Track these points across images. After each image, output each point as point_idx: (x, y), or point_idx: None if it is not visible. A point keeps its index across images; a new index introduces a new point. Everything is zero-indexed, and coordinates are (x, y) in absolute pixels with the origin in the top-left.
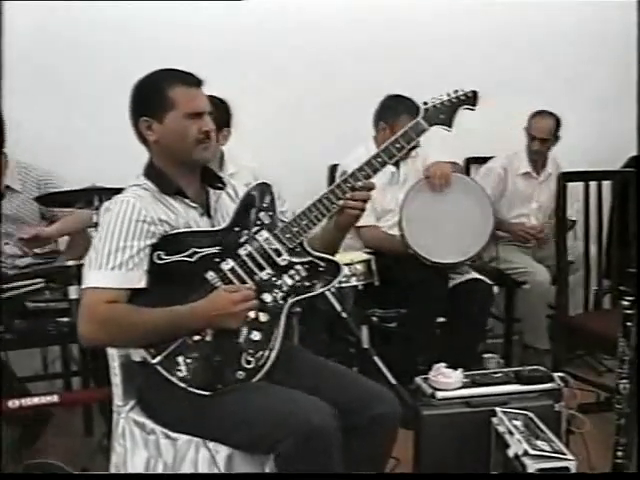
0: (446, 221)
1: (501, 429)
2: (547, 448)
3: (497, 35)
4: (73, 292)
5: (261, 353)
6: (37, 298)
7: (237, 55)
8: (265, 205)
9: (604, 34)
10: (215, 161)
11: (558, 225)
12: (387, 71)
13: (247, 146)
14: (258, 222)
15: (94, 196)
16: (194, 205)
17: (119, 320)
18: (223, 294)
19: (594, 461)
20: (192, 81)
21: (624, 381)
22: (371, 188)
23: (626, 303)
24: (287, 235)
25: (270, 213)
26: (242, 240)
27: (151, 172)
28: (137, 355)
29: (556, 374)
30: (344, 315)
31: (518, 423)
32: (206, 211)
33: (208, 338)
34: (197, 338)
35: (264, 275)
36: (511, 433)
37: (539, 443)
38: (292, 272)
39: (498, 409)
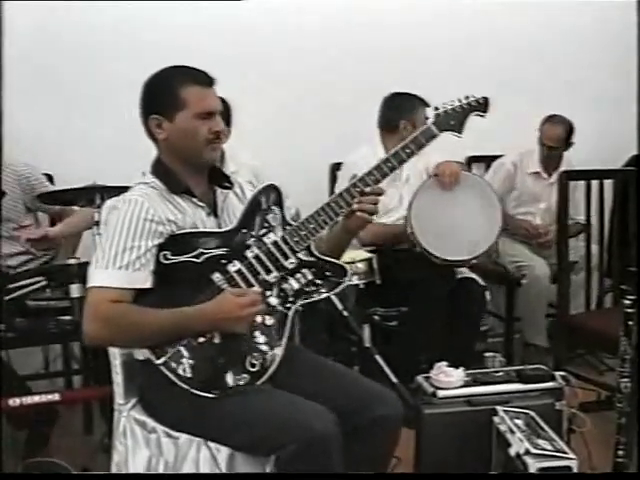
0: (455, 219)
1: (502, 428)
2: (548, 447)
3: (497, 36)
4: (74, 290)
5: (265, 356)
6: (38, 296)
7: (237, 55)
8: (273, 207)
9: (604, 35)
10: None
11: (560, 224)
12: (387, 71)
13: (247, 146)
14: (266, 224)
15: (95, 194)
16: (201, 204)
17: (124, 320)
18: (230, 298)
19: (595, 460)
20: (204, 80)
21: (625, 380)
22: (380, 193)
23: (627, 302)
24: (295, 238)
25: (278, 215)
26: (249, 242)
27: (159, 170)
28: (141, 354)
29: (557, 373)
30: (345, 314)
31: (519, 422)
32: (213, 211)
33: (213, 340)
34: (202, 340)
35: (271, 278)
36: (512, 432)
37: (540, 442)
38: (299, 275)
39: (499, 408)
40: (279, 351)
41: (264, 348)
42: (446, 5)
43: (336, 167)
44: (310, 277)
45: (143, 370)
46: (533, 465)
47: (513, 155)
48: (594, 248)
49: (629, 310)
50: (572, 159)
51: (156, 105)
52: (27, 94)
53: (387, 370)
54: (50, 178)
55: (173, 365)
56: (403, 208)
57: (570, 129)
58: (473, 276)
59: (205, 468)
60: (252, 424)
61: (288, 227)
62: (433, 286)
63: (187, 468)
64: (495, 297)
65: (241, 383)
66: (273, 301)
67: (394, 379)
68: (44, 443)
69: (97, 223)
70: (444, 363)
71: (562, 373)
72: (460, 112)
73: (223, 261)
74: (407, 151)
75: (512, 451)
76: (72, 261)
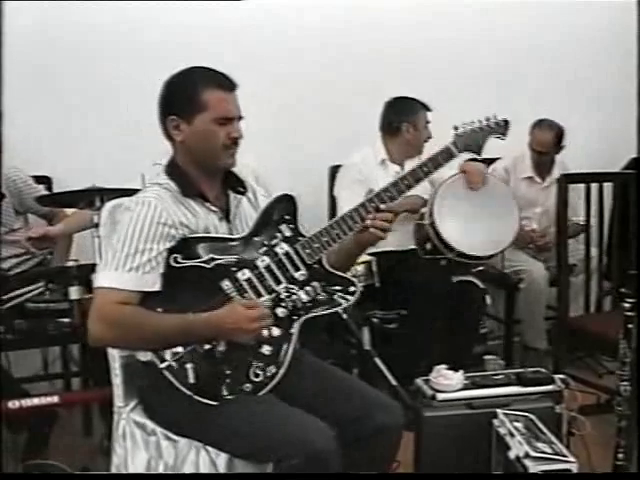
0: (475, 217)
1: (502, 431)
2: (548, 450)
3: (497, 36)
4: (73, 293)
5: (270, 367)
6: (37, 299)
7: (237, 56)
8: (287, 218)
9: (604, 35)
10: None
11: (559, 227)
12: (387, 72)
13: (247, 147)
14: (278, 234)
15: (95, 197)
16: (214, 209)
17: (130, 323)
18: (240, 309)
19: (595, 463)
20: (227, 85)
21: (625, 383)
22: (396, 211)
23: (627, 305)
24: (307, 250)
25: (291, 226)
26: (261, 251)
27: (174, 171)
28: (143, 355)
29: (557, 376)
30: (344, 316)
31: (519, 425)
32: (225, 216)
33: (218, 348)
34: (208, 347)
35: (280, 288)
36: (512, 435)
37: (540, 445)
38: (308, 288)
39: (499, 411)
40: (284, 363)
41: (269, 359)
42: (446, 5)
43: (336, 169)
44: (319, 291)
45: (145, 372)
46: (533, 468)
47: (506, 160)
48: (593, 251)
49: (629, 313)
50: (568, 162)
51: (176, 105)
52: (26, 95)
53: (387, 373)
54: (49, 180)
55: (176, 369)
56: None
57: (560, 133)
58: (473, 279)
59: (204, 471)
60: (251, 435)
61: (301, 238)
62: (432, 288)
63: (186, 471)
64: (495, 300)
65: (243, 392)
66: (281, 312)
67: (393, 382)
68: (43, 445)
69: (97, 225)
70: (443, 366)
71: (562, 376)
72: (479, 133)
73: (233, 269)
74: (424, 169)
75: (512, 454)
76: (71, 263)
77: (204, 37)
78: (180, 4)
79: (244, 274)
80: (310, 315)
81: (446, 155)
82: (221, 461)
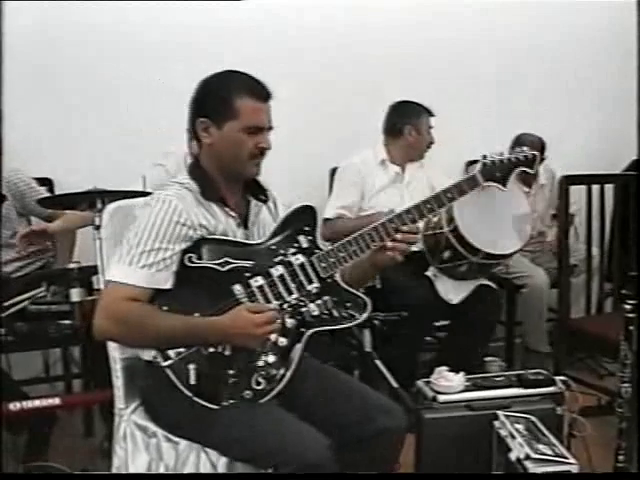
0: (495, 217)
1: (503, 432)
2: (549, 452)
3: (497, 36)
4: (74, 295)
5: (273, 376)
6: (38, 301)
7: (237, 57)
8: (306, 229)
9: (604, 35)
10: None
11: (560, 229)
12: (387, 72)
13: None
14: (296, 245)
15: (97, 199)
16: (233, 214)
17: (137, 320)
18: (245, 314)
19: (595, 465)
20: (261, 94)
21: (626, 385)
22: (415, 233)
23: (628, 307)
24: (322, 264)
25: (310, 238)
26: (276, 260)
27: (196, 172)
28: (146, 354)
29: (558, 377)
30: None
31: (520, 426)
32: (243, 222)
33: (223, 352)
34: (212, 350)
35: (291, 299)
36: (513, 436)
37: (541, 447)
38: (319, 302)
39: (500, 412)
40: (287, 373)
41: (273, 368)
42: (446, 5)
43: (335, 172)
44: (330, 305)
45: (147, 371)
46: (533, 470)
47: None
48: (594, 250)
49: (629, 315)
50: (568, 162)
51: (207, 108)
52: (26, 95)
53: (387, 375)
54: (50, 182)
55: (179, 369)
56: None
57: (541, 146)
58: (489, 283)
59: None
60: (249, 441)
61: (318, 251)
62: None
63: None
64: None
65: (243, 399)
66: (289, 323)
67: (394, 384)
68: (44, 447)
69: (98, 227)
70: (444, 368)
71: (563, 378)
72: (507, 165)
73: (247, 274)
74: (448, 196)
75: (512, 456)
76: (72, 265)
77: (204, 37)
78: (180, 4)
79: (257, 281)
80: (319, 329)
81: (472, 183)
82: (221, 464)
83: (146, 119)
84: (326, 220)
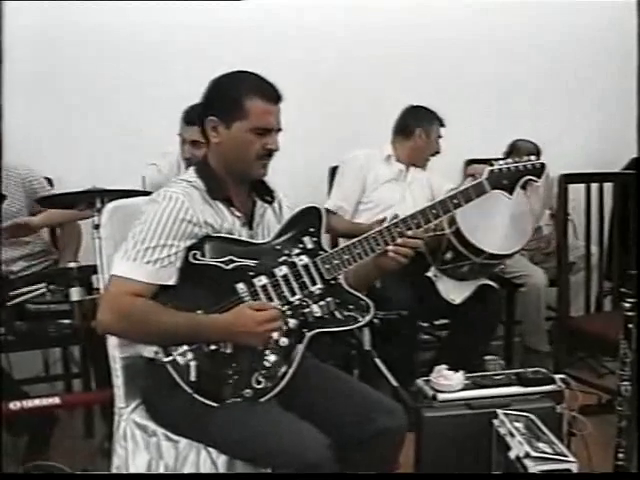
0: (496, 218)
1: (502, 431)
2: (548, 450)
3: (497, 36)
4: (74, 294)
5: (273, 376)
6: (38, 300)
7: (237, 58)
8: (311, 230)
9: (604, 35)
10: None
11: (559, 228)
12: (387, 72)
13: None
14: (300, 245)
15: (96, 198)
16: (238, 214)
17: (140, 316)
18: (248, 312)
19: (595, 463)
20: (271, 96)
21: (625, 383)
22: (421, 238)
23: (627, 305)
24: (326, 266)
25: (315, 239)
26: (280, 260)
27: (204, 170)
28: (147, 351)
29: (557, 376)
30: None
31: (519, 425)
32: (248, 222)
33: (224, 350)
34: (213, 347)
35: (294, 300)
36: (512, 435)
37: (540, 445)
38: (322, 303)
39: (499, 411)
40: (288, 373)
41: (273, 368)
42: (446, 6)
43: (336, 170)
44: (333, 307)
45: (147, 369)
46: (533, 468)
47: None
48: (593, 249)
49: (629, 313)
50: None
51: (217, 107)
52: (26, 95)
53: (387, 374)
54: (50, 181)
55: (180, 365)
56: (405, 206)
57: (536, 153)
58: (490, 283)
59: (205, 472)
60: (248, 441)
61: (322, 252)
62: (432, 289)
63: (187, 471)
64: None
65: (243, 397)
66: (292, 323)
67: (394, 382)
68: (44, 446)
69: (97, 226)
70: (444, 366)
71: (562, 376)
72: (514, 173)
73: (251, 273)
74: (454, 202)
75: (512, 454)
76: (72, 265)
77: (204, 37)
78: (180, 4)
79: (260, 280)
80: (320, 330)
81: (478, 190)
82: (221, 462)
83: (146, 119)
84: (326, 211)
